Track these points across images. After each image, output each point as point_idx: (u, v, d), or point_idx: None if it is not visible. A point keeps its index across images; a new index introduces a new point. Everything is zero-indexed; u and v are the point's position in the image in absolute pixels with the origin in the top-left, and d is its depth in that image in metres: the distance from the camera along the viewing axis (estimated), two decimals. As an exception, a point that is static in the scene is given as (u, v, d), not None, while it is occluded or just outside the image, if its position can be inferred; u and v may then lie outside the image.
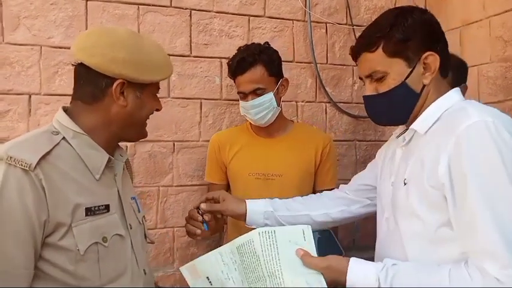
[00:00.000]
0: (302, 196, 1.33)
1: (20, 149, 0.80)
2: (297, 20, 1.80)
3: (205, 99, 1.68)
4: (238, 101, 1.70)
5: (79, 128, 0.88)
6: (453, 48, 1.94)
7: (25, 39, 1.45)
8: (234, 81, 1.44)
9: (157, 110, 0.98)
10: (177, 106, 1.64)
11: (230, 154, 1.46)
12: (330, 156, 1.49)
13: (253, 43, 1.48)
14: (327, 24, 1.85)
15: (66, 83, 1.48)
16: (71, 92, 0.92)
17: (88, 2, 1.52)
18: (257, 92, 1.36)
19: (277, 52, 1.44)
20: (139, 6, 1.58)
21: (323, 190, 1.43)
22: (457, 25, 1.92)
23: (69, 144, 0.86)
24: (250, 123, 1.50)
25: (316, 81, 1.83)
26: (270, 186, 1.39)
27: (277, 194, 1.34)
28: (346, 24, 1.87)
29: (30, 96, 1.47)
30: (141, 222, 1.01)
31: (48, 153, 0.81)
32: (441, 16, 1.99)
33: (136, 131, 0.97)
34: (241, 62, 1.36)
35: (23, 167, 0.76)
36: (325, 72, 1.85)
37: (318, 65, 1.82)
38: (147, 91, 0.92)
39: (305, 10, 1.79)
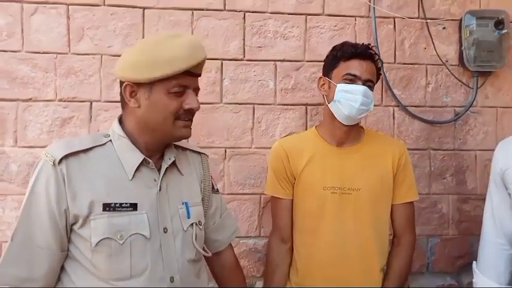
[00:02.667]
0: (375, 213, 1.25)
1: (57, 146, 0.91)
2: (360, 17, 1.64)
3: (258, 104, 1.60)
4: (292, 105, 1.61)
5: (122, 132, 0.96)
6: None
7: (88, 49, 1.53)
8: (337, 64, 1.26)
9: (190, 109, 0.93)
10: (229, 112, 1.59)
11: (301, 163, 1.29)
12: (407, 165, 1.32)
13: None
14: (395, 19, 1.65)
15: (123, 89, 1.52)
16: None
17: (145, 11, 1.55)
18: (369, 84, 1.24)
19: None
20: (194, 11, 1.57)
21: (400, 204, 1.31)
22: None
23: (113, 146, 0.95)
24: (318, 129, 1.35)
25: (382, 82, 1.65)
26: (345, 202, 1.25)
27: (353, 210, 1.25)
28: (418, 17, 1.66)
29: (91, 103, 1.53)
30: (187, 228, 0.97)
31: (83, 151, 0.91)
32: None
33: (164, 133, 0.94)
34: (366, 48, 1.26)
35: (51, 162, 0.87)
36: (392, 72, 1.65)
37: (384, 65, 1.63)
38: (156, 90, 0.90)
39: (369, 5, 1.62)
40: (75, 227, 0.88)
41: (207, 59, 1.51)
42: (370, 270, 1.26)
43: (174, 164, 1.00)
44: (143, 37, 1.55)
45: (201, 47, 0.94)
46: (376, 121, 1.65)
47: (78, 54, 1.52)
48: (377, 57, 1.28)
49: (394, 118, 1.66)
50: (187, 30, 1.57)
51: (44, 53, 1.51)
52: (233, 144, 1.59)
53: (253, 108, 1.60)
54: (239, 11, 1.59)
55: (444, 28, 1.68)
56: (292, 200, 1.33)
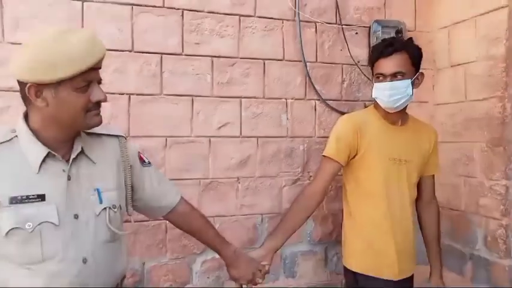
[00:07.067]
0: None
1: None
2: (287, 20, 1.85)
3: (196, 96, 1.74)
4: (228, 98, 1.78)
5: (26, 127, 0.99)
6: (442, 47, 1.99)
7: (24, 39, 1.51)
8: (373, 65, 1.51)
9: (99, 101, 0.99)
10: (169, 102, 1.70)
11: (367, 138, 1.50)
12: (437, 145, 1.64)
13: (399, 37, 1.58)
14: (316, 24, 1.89)
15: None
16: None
17: (84, 3, 1.59)
18: (397, 76, 1.44)
19: (421, 49, 1.52)
20: (133, 6, 1.65)
21: (430, 176, 1.65)
22: (447, 24, 1.96)
23: (19, 141, 0.98)
24: (376, 109, 1.56)
25: (305, 79, 1.88)
26: (401, 171, 1.52)
27: (406, 178, 1.53)
28: (335, 23, 1.92)
29: (28, 93, 1.54)
30: (100, 213, 1.04)
31: None
32: (431, 15, 2.05)
33: (76, 125, 1.00)
34: (389, 46, 1.45)
35: None
36: (314, 70, 1.90)
37: (308, 64, 1.87)
38: (63, 89, 0.93)
39: (294, 10, 1.84)
40: None
41: (148, 53, 1.66)
42: (414, 227, 1.59)
43: (84, 153, 1.05)
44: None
45: (100, 42, 0.97)
46: (300, 113, 1.88)
47: (14, 43, 1.51)
48: (407, 45, 1.47)
49: (315, 110, 1.91)
50: (127, 24, 1.64)
51: (-25, 41, 1.48)
52: (173, 133, 1.71)
53: (192, 99, 1.73)
54: (177, 9, 1.70)
55: (356, 33, 1.96)
56: (342, 166, 1.53)
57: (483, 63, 1.76)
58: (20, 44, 1.46)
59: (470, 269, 1.83)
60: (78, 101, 0.96)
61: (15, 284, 0.96)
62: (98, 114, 1.02)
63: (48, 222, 0.97)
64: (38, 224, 0.95)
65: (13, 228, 0.94)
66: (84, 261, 1.00)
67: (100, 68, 1.00)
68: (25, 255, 0.95)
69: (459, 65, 1.89)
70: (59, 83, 0.92)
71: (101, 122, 1.04)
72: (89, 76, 0.96)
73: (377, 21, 1.93)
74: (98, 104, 1.00)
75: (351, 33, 1.95)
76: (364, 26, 1.97)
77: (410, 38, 1.55)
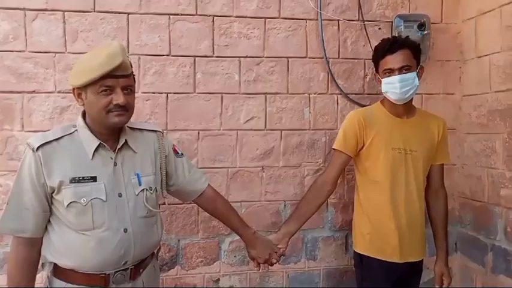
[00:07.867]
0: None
1: (36, 137, 1.23)
2: (310, 19, 1.97)
3: (225, 93, 1.93)
4: (254, 94, 1.95)
5: (83, 123, 1.27)
6: (469, 38, 1.99)
7: (82, 48, 1.82)
8: (378, 63, 1.64)
9: (117, 104, 1.18)
10: (201, 100, 1.92)
11: (373, 131, 1.62)
12: (446, 135, 1.73)
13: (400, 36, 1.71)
14: (339, 22, 1.99)
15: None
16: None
17: (129, 16, 1.85)
18: (404, 69, 1.57)
19: (420, 45, 1.67)
20: (170, 16, 1.88)
21: (439, 164, 1.72)
22: (473, 15, 1.95)
23: (79, 134, 1.26)
24: (383, 104, 1.69)
25: (328, 74, 1.99)
26: (407, 160, 1.62)
27: (412, 167, 1.62)
28: (357, 20, 2.00)
29: (86, 94, 1.84)
30: (139, 193, 1.28)
31: (55, 140, 1.22)
32: (459, 5, 2.04)
33: (102, 122, 1.23)
34: (394, 43, 1.60)
35: (31, 149, 1.20)
36: (337, 66, 2.00)
37: (330, 60, 1.97)
38: (89, 92, 1.19)
39: (317, 10, 1.95)
40: (53, 194, 1.20)
41: (183, 56, 1.88)
42: (422, 213, 1.67)
43: (127, 144, 1.29)
44: (128, 38, 1.86)
45: (117, 54, 1.16)
46: (323, 106, 2.00)
47: (73, 53, 1.82)
48: (408, 42, 1.60)
49: (337, 104, 2.01)
50: (165, 32, 1.87)
51: (44, 52, 1.80)
52: (205, 127, 1.92)
53: (221, 97, 1.93)
54: (209, 16, 1.90)
55: (380, 29, 2.02)
56: (352, 157, 1.67)
57: (507, 54, 1.74)
58: (78, 53, 1.81)
59: (491, 259, 1.84)
60: (99, 102, 1.19)
61: (77, 245, 1.22)
62: (119, 115, 1.21)
63: (98, 198, 1.21)
64: (90, 200, 1.21)
65: (72, 202, 1.20)
66: (125, 231, 1.25)
67: (125, 76, 1.20)
68: (80, 224, 1.21)
69: (485, 56, 1.88)
70: (87, 87, 1.18)
71: (122, 122, 1.24)
72: (108, 82, 1.17)
73: (399, 16, 1.97)
74: (119, 107, 1.20)
75: (374, 28, 2.02)
76: (387, 21, 2.02)
77: (407, 37, 1.66)
